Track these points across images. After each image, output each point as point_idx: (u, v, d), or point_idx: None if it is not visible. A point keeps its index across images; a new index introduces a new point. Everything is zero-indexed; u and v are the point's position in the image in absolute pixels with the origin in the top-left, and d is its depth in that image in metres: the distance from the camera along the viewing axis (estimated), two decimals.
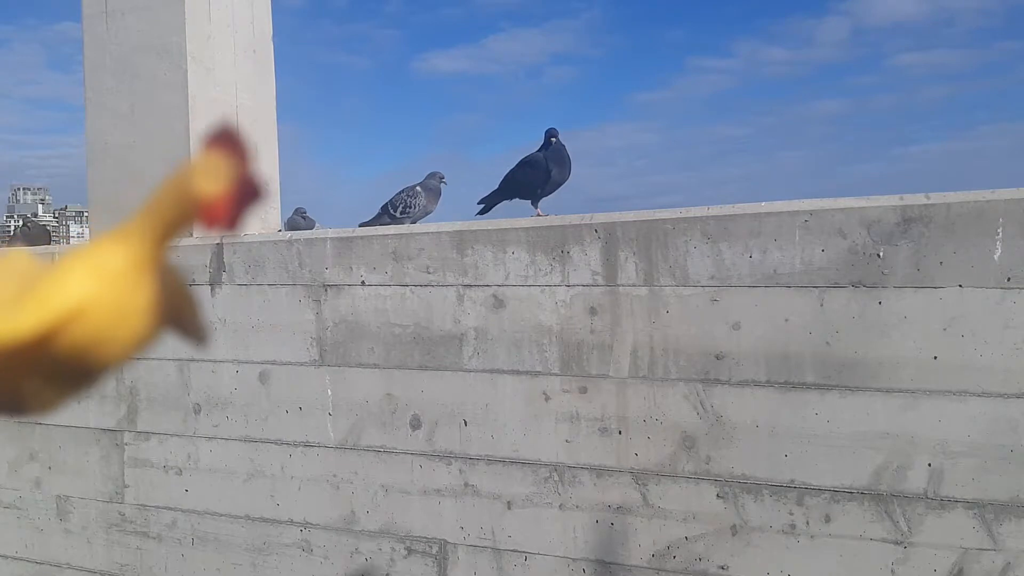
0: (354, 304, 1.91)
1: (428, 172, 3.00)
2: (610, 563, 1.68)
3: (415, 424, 1.85)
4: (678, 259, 1.61)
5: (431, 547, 1.84)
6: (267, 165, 2.50)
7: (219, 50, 2.35)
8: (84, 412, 2.20)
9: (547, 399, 1.72)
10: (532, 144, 2.55)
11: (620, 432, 1.66)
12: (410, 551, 1.87)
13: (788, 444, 1.54)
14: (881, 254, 1.47)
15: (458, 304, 1.80)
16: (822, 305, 1.51)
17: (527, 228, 1.75)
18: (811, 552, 1.53)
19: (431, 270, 1.82)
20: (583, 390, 1.69)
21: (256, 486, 2.02)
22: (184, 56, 2.26)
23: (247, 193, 0.36)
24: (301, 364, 1.97)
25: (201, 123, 2.29)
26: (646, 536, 1.64)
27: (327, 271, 1.93)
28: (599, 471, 1.68)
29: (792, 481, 1.54)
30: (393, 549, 1.88)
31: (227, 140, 0.35)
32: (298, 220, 4.61)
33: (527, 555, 1.75)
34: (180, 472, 2.11)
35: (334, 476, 1.93)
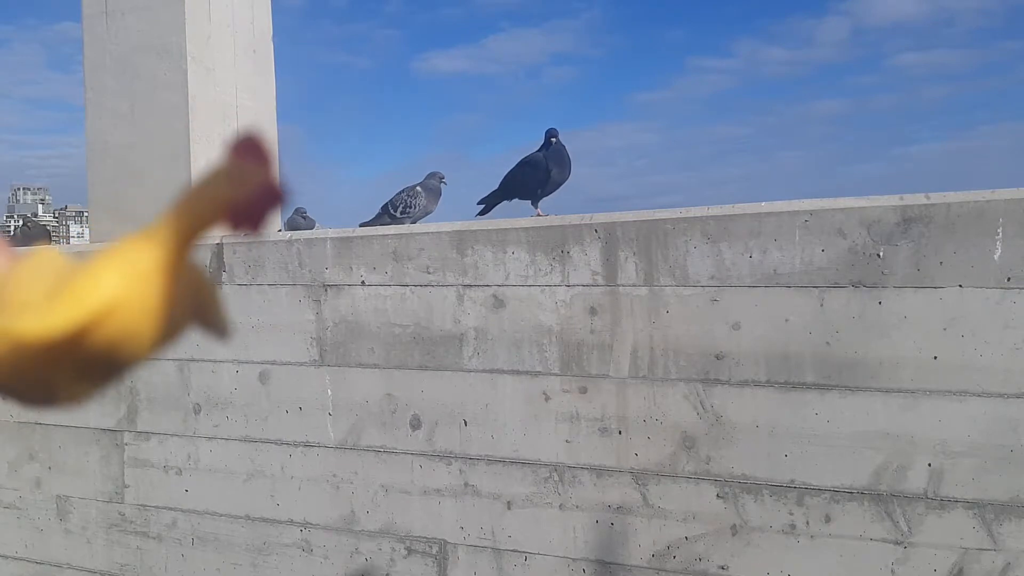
0: (354, 304, 1.91)
1: (428, 172, 3.00)
2: (610, 563, 1.68)
3: (415, 424, 1.85)
4: (678, 259, 1.61)
5: (431, 547, 1.85)
6: None
7: (219, 50, 2.35)
8: (84, 412, 2.20)
9: (547, 399, 1.72)
10: (532, 144, 2.56)
11: (620, 432, 1.66)
12: (410, 551, 1.87)
13: (788, 444, 1.54)
14: (881, 254, 1.47)
15: (458, 304, 1.80)
16: (822, 305, 1.51)
17: (527, 228, 1.75)
18: (811, 552, 1.53)
19: (431, 270, 1.82)
20: (583, 390, 1.69)
21: (256, 486, 2.02)
22: (184, 56, 2.26)
23: (270, 197, 0.37)
24: (301, 364, 1.97)
25: (201, 123, 2.29)
26: (646, 536, 1.64)
27: (327, 271, 1.93)
28: (599, 471, 1.68)
29: (792, 481, 1.54)
30: (393, 549, 1.88)
31: (251, 146, 0.37)
32: (298, 220, 4.62)
33: (527, 555, 1.75)
34: (180, 472, 2.11)
35: (334, 476, 1.93)
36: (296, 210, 4.74)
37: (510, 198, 2.48)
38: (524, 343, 1.74)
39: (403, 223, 2.73)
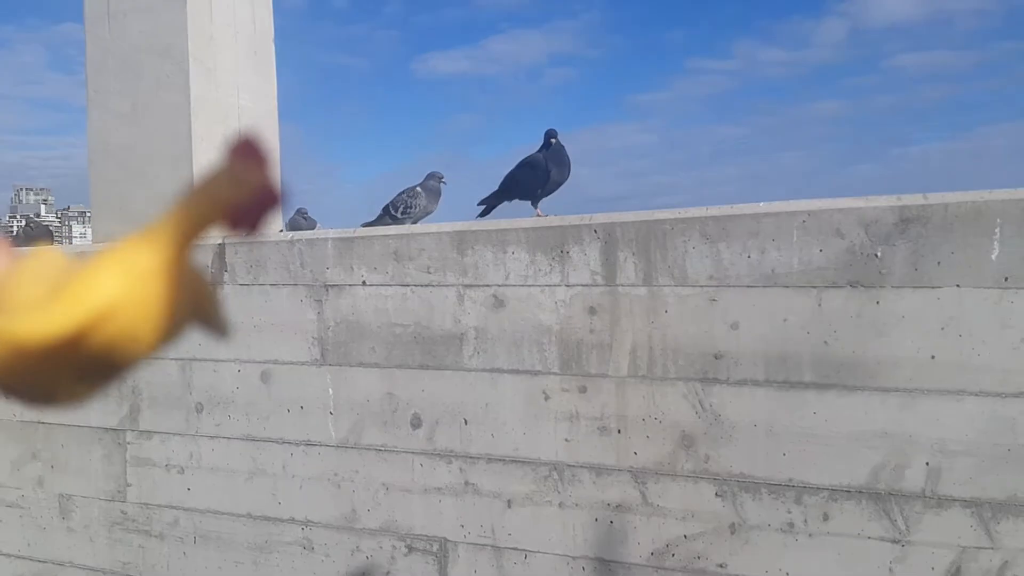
0: (355, 304, 1.92)
1: (428, 173, 3.01)
2: (609, 561, 1.69)
3: (416, 423, 1.86)
4: (677, 259, 1.61)
5: (431, 545, 1.85)
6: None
7: (221, 51, 2.36)
8: (86, 411, 2.21)
9: (547, 398, 1.73)
10: (532, 144, 2.56)
11: (619, 431, 1.67)
12: (411, 549, 1.88)
13: (786, 443, 1.54)
14: (879, 254, 1.47)
15: (458, 304, 1.81)
16: (820, 305, 1.51)
17: (527, 228, 1.76)
18: (809, 551, 1.53)
19: (432, 270, 1.83)
20: (583, 389, 1.70)
21: (258, 485, 2.03)
22: (186, 57, 2.27)
23: (268, 199, 0.38)
24: (303, 364, 1.98)
25: (203, 123, 2.30)
26: (645, 534, 1.65)
27: (328, 271, 1.94)
28: (598, 470, 1.69)
29: (790, 480, 1.54)
30: (394, 547, 1.89)
31: (250, 149, 0.38)
32: (299, 220, 4.63)
33: (527, 553, 1.76)
34: (182, 471, 2.12)
35: (335, 475, 1.94)
36: (297, 210, 4.76)
37: (510, 198, 2.49)
38: (524, 342, 1.74)
39: (404, 223, 2.74)
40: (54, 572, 2.30)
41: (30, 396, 0.36)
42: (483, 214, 2.59)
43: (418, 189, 2.93)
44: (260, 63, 2.50)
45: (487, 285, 1.78)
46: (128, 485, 2.20)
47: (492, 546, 1.79)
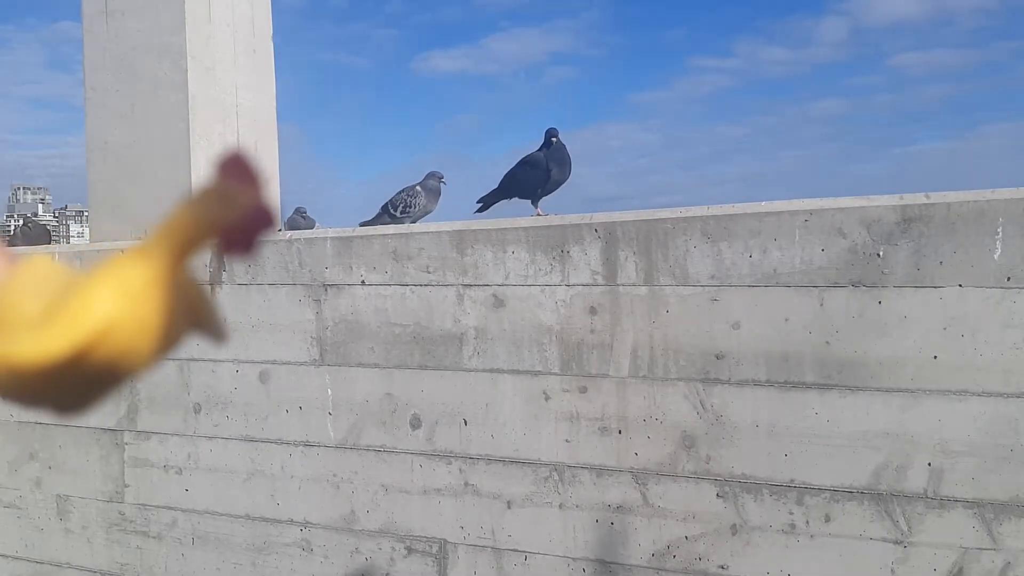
0: (354, 304, 1.91)
1: (428, 172, 3.01)
2: (610, 562, 1.68)
3: (415, 424, 1.85)
4: (678, 259, 1.61)
5: (431, 546, 1.85)
6: (267, 164, 2.50)
7: (219, 49, 2.35)
8: None
9: (547, 399, 1.72)
10: (532, 144, 2.56)
11: (620, 431, 1.66)
12: (410, 550, 1.87)
13: (788, 444, 1.54)
14: (881, 253, 1.47)
15: (458, 304, 1.80)
16: (822, 305, 1.51)
17: (527, 228, 1.75)
18: (811, 552, 1.53)
19: (431, 270, 1.82)
20: (583, 389, 1.69)
21: (256, 485, 2.02)
22: (184, 55, 2.26)
23: (260, 221, 0.37)
24: (301, 364, 1.97)
25: (201, 122, 2.29)
26: (646, 535, 1.64)
27: (327, 271, 1.93)
28: (599, 470, 1.68)
29: (792, 481, 1.54)
30: (393, 548, 1.88)
31: (238, 167, 0.36)
32: (298, 219, 4.62)
33: (527, 554, 1.75)
34: (180, 472, 2.11)
35: (334, 476, 1.93)
36: (296, 209, 4.75)
37: (510, 197, 2.48)
38: (524, 343, 1.74)
39: (403, 223, 2.73)
40: (52, 573, 2.29)
41: (31, 408, 0.37)
42: (480, 210, 2.58)
43: (417, 188, 2.92)
44: (258, 61, 2.49)
45: (487, 285, 1.77)
46: (126, 486, 2.19)
47: (492, 547, 1.78)
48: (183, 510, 2.11)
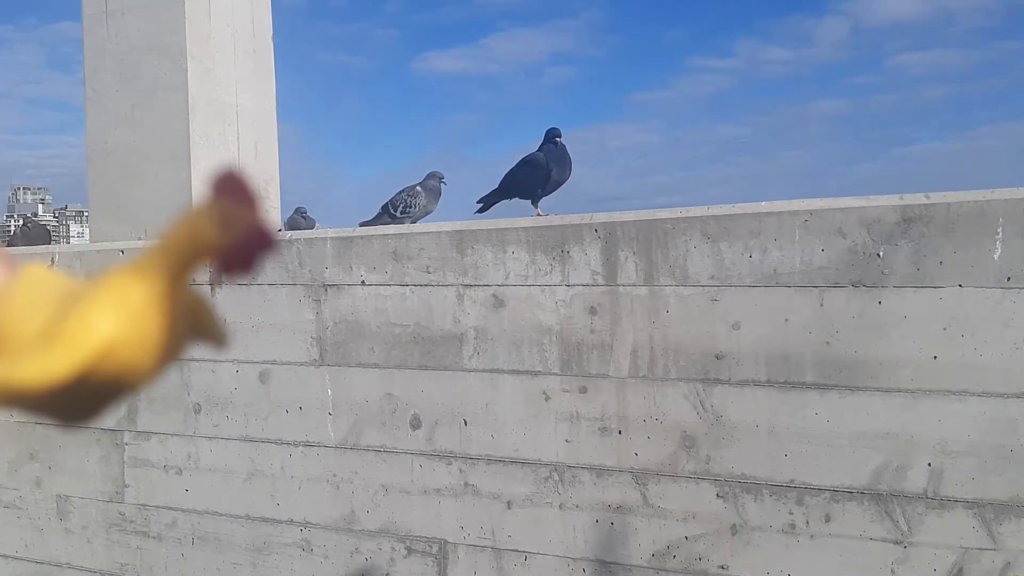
0: (354, 304, 1.91)
1: (428, 172, 3.00)
2: (610, 563, 1.68)
3: (415, 424, 1.85)
4: (678, 259, 1.61)
5: (431, 547, 1.85)
6: (268, 165, 2.50)
7: (219, 50, 2.35)
8: None
9: (547, 399, 1.72)
10: (532, 144, 2.56)
11: (620, 432, 1.66)
12: (410, 551, 1.87)
13: (788, 444, 1.54)
14: (881, 254, 1.47)
15: (458, 304, 1.80)
16: (822, 305, 1.51)
17: (527, 228, 1.75)
18: (811, 552, 1.53)
19: (431, 270, 1.82)
20: (583, 390, 1.69)
21: (256, 486, 2.02)
22: (184, 56, 2.26)
23: (259, 242, 0.36)
24: (301, 364, 1.97)
25: (201, 123, 2.29)
26: (646, 536, 1.64)
27: (327, 271, 1.93)
28: (599, 471, 1.68)
29: (792, 481, 1.54)
30: (393, 549, 1.88)
31: (234, 185, 0.36)
32: (298, 219, 4.62)
33: (527, 555, 1.75)
34: (180, 472, 2.11)
35: (334, 476, 1.93)
36: (296, 209, 4.75)
37: (510, 197, 2.48)
38: (524, 343, 1.74)
39: (403, 223, 2.73)
40: (52, 573, 2.29)
41: (34, 417, 0.37)
42: (481, 211, 2.58)
43: (418, 188, 2.92)
44: (259, 61, 2.49)
45: (487, 285, 1.77)
46: (126, 486, 2.18)
47: (492, 548, 1.78)
48: (183, 510, 2.11)
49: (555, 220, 1.75)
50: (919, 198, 1.46)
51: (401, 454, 1.87)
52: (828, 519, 1.51)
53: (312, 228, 4.23)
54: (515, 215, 2.25)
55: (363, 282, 1.90)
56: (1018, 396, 1.40)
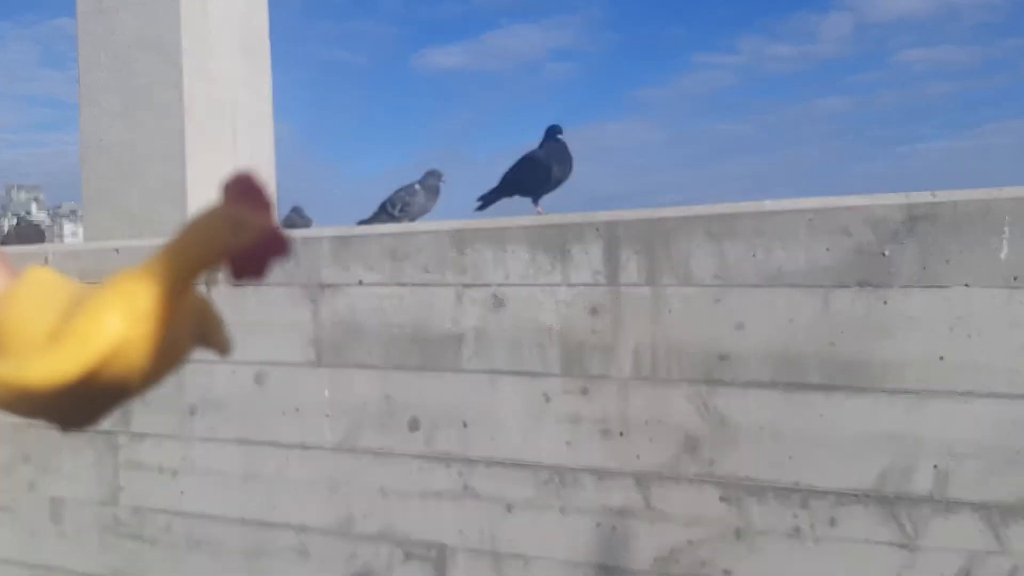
0: (351, 304, 1.88)
1: (427, 171, 2.98)
2: (612, 567, 1.66)
3: (413, 426, 1.83)
4: (681, 258, 1.59)
5: (430, 551, 1.82)
6: (264, 163, 2.48)
7: (215, 46, 2.32)
8: None
9: (548, 400, 1.70)
10: (532, 141, 2.54)
11: (622, 434, 1.64)
12: (408, 555, 1.84)
13: (793, 446, 1.52)
14: (886, 253, 1.45)
15: (457, 304, 1.78)
16: (827, 305, 1.49)
17: (527, 227, 1.73)
18: (816, 556, 1.51)
19: (430, 269, 1.80)
20: (584, 391, 1.67)
21: (252, 489, 2.00)
22: (179, 53, 2.24)
23: (273, 247, 0.35)
24: (298, 365, 1.95)
25: (196, 120, 2.26)
26: (649, 540, 1.62)
27: (324, 270, 1.91)
28: (601, 473, 1.66)
29: (797, 484, 1.52)
30: (391, 553, 1.86)
31: (248, 189, 0.35)
32: (295, 218, 4.59)
33: (527, 559, 1.73)
34: (175, 474, 2.09)
35: (331, 479, 1.91)
36: (293, 208, 4.72)
37: (510, 195, 2.46)
38: (524, 343, 1.72)
39: (401, 222, 2.71)
40: None
41: (35, 420, 0.36)
42: (481, 208, 2.56)
43: (416, 187, 2.90)
44: (255, 58, 2.46)
45: (486, 285, 1.75)
46: (120, 489, 2.16)
47: (492, 552, 1.76)
48: (178, 513, 2.08)
49: (556, 219, 1.73)
50: (925, 196, 1.44)
51: (399, 457, 1.84)
52: (833, 523, 1.50)
53: (309, 227, 4.20)
54: (515, 214, 2.23)
55: (361, 282, 1.88)
56: None
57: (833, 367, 1.49)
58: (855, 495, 1.48)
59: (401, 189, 2.94)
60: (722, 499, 1.57)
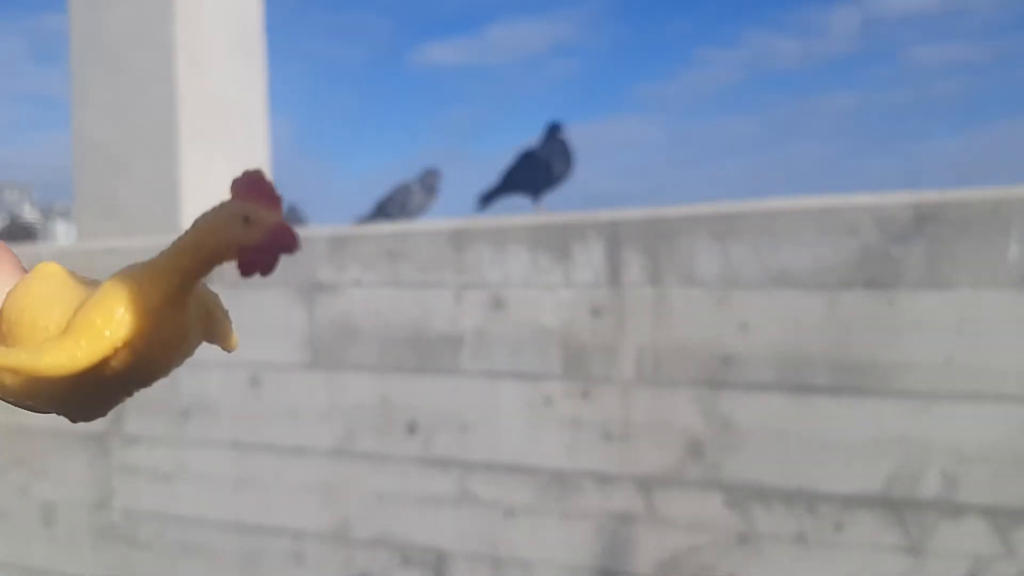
0: (348, 305, 1.85)
1: (425, 169, 2.95)
2: (614, 573, 1.63)
3: (411, 429, 1.80)
4: (684, 258, 1.56)
5: (428, 556, 1.79)
6: (259, 160, 2.44)
7: (208, 41, 2.28)
8: None
9: (548, 403, 1.67)
10: (533, 138, 2.51)
11: (624, 437, 1.61)
12: (406, 561, 1.81)
13: (798, 450, 1.49)
14: (894, 253, 1.42)
15: (456, 305, 1.75)
16: (833, 306, 1.46)
17: (527, 226, 1.70)
18: (822, 561, 1.48)
19: (428, 270, 1.77)
20: (585, 394, 1.64)
21: (247, 493, 1.97)
22: (173, 48, 2.20)
23: (282, 242, 0.35)
24: (293, 367, 1.91)
25: (190, 116, 2.23)
26: (651, 545, 1.60)
27: (320, 271, 1.88)
28: (602, 478, 1.64)
29: (802, 488, 1.49)
30: (389, 558, 1.83)
31: (255, 185, 0.35)
32: (290, 217, 4.56)
33: (527, 564, 1.70)
34: (168, 479, 2.05)
35: (327, 483, 1.88)
36: (289, 207, 4.69)
37: (510, 193, 2.43)
38: (524, 345, 1.69)
39: (399, 220, 2.68)
40: None
41: (41, 411, 0.37)
42: (481, 207, 2.54)
43: (414, 186, 2.87)
44: (249, 53, 2.42)
45: (486, 285, 1.72)
46: (113, 493, 2.13)
47: (491, 557, 1.73)
48: (171, 518, 2.05)
49: (557, 218, 1.71)
50: (934, 195, 1.42)
51: (397, 460, 1.81)
52: (839, 527, 1.47)
53: (304, 226, 4.17)
54: (515, 212, 2.21)
55: (357, 282, 1.84)
56: None
57: (840, 369, 1.46)
58: (862, 499, 1.46)
59: (398, 188, 2.91)
60: (726, 504, 1.54)
